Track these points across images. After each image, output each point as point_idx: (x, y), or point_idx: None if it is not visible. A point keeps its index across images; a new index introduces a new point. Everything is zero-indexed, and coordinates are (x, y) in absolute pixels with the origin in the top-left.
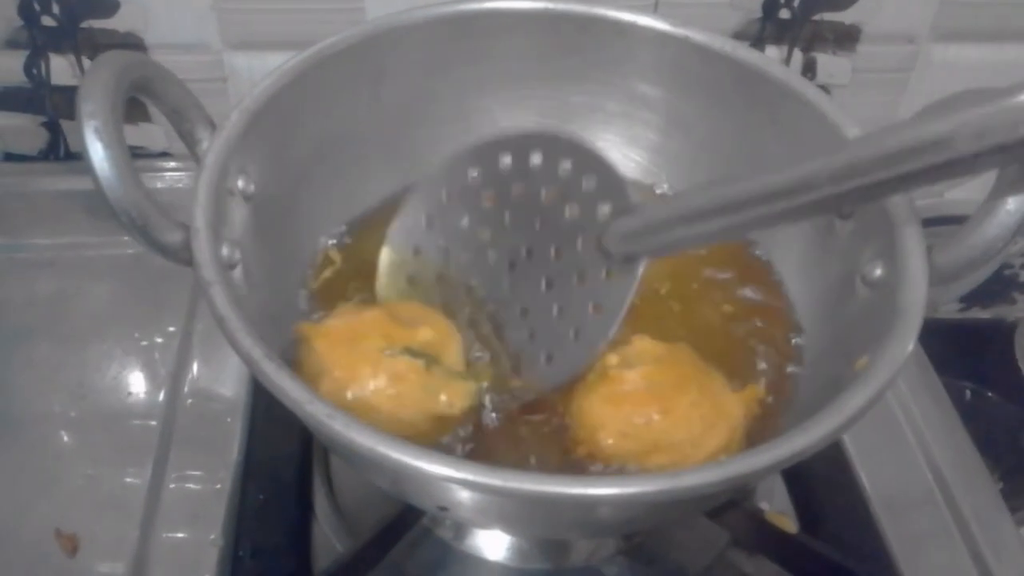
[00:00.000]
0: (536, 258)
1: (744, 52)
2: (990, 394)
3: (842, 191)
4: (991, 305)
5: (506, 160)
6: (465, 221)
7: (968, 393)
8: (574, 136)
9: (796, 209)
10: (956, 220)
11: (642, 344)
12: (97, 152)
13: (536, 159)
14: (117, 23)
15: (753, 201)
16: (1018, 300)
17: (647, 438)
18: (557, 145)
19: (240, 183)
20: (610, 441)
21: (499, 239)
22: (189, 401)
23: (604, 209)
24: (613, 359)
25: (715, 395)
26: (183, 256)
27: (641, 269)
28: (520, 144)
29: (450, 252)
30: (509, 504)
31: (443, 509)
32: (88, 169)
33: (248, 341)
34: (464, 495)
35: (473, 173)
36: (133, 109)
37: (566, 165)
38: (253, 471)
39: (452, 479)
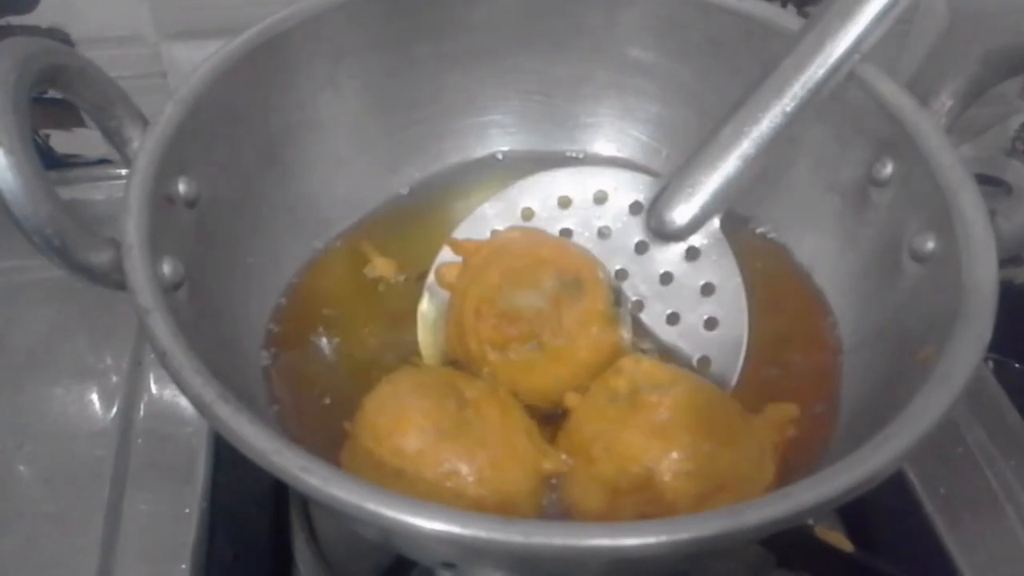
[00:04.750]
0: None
1: (750, 5)
2: (1017, 365)
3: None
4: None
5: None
6: None
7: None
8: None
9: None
10: (995, 181)
11: (644, 366)
12: None
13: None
14: (38, 18)
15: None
16: None
17: (710, 476)
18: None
19: (181, 187)
20: (667, 479)
21: None
22: (140, 440)
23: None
24: (620, 382)
25: (742, 420)
26: (114, 279)
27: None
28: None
29: None
30: (533, 560)
31: (450, 566)
32: None
33: (198, 380)
34: (477, 552)
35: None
36: (65, 113)
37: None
38: (220, 520)
39: (460, 537)
